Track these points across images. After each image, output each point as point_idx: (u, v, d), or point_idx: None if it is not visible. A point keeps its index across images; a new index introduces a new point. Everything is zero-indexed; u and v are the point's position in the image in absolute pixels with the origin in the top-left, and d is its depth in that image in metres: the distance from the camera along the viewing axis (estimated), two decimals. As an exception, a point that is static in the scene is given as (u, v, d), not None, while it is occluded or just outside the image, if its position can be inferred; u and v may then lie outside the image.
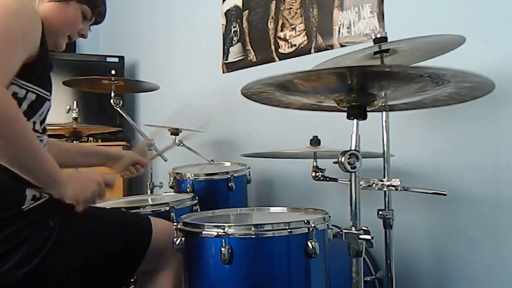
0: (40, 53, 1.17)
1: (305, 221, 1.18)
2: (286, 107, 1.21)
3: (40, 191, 1.19)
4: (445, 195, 1.38)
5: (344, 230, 1.01)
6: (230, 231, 1.15)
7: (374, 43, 1.39)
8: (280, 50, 2.33)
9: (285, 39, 2.31)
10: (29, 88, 1.17)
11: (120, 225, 1.33)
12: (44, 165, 1.12)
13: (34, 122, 1.21)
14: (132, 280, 1.46)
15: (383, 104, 1.15)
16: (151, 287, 1.35)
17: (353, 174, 1.01)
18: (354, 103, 1.02)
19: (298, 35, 2.24)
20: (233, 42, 2.61)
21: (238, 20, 2.58)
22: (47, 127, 1.30)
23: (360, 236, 1.00)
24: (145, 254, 1.30)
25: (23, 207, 1.15)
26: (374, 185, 1.42)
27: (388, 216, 1.47)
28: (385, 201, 1.48)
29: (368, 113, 1.03)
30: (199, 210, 1.78)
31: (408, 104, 1.14)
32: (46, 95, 1.24)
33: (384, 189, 1.45)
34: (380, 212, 1.47)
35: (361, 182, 1.40)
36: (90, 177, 1.25)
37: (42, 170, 1.13)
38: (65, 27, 1.34)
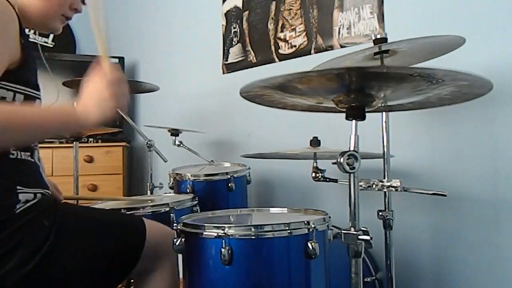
0: (23, 54, 1.14)
1: (305, 222, 1.18)
2: (292, 109, 1.20)
3: (35, 191, 1.18)
4: (445, 195, 1.38)
5: (343, 231, 1.01)
6: (230, 232, 1.15)
7: (374, 44, 1.39)
8: (280, 51, 2.33)
9: (285, 40, 2.31)
10: (16, 89, 1.14)
11: (114, 225, 1.32)
12: (53, 124, 1.10)
13: None
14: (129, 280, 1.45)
15: (382, 105, 1.15)
16: (148, 285, 1.34)
17: (352, 174, 1.01)
18: (352, 104, 1.02)
19: (298, 36, 2.24)
20: (233, 43, 2.61)
21: (238, 21, 2.58)
22: None
23: (359, 237, 1.00)
24: (141, 253, 1.29)
25: (15, 209, 1.13)
26: (374, 185, 1.41)
27: (388, 217, 1.47)
28: (385, 202, 1.48)
29: (368, 114, 1.03)
30: (199, 211, 1.78)
31: (414, 103, 1.13)
32: (35, 94, 1.21)
33: (384, 190, 1.45)
34: (380, 213, 1.47)
35: (361, 183, 1.40)
36: (102, 95, 1.10)
37: (54, 129, 1.14)
38: (54, 8, 1.27)
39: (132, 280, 1.59)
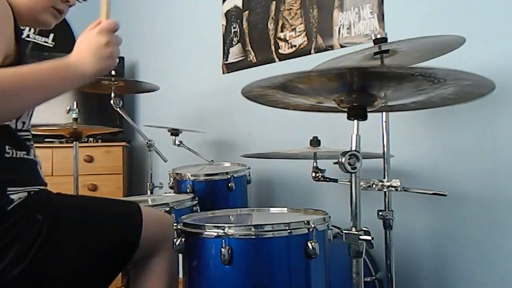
0: (17, 48, 1.12)
1: (305, 222, 1.18)
2: (295, 109, 1.20)
3: (29, 189, 1.17)
4: (445, 195, 1.38)
5: (344, 231, 1.01)
6: (230, 231, 1.15)
7: (374, 44, 1.39)
8: (280, 51, 2.33)
9: (285, 40, 2.31)
10: None
11: (110, 215, 1.30)
12: (52, 82, 1.04)
13: (24, 122, 1.19)
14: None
15: (383, 105, 1.14)
16: (146, 273, 1.34)
17: (353, 174, 1.01)
18: (354, 104, 1.02)
19: (298, 35, 2.24)
20: (233, 42, 2.61)
21: (238, 21, 2.58)
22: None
23: (361, 237, 1.00)
24: (138, 242, 1.28)
25: (7, 208, 1.11)
26: (374, 185, 1.42)
27: (388, 217, 1.47)
28: (385, 201, 1.48)
29: (368, 113, 1.03)
30: (199, 210, 1.78)
31: (417, 103, 1.12)
32: None
33: (384, 190, 1.45)
34: (380, 213, 1.47)
35: (361, 183, 1.39)
36: (97, 43, 1.07)
37: (53, 89, 1.05)
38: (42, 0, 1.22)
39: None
